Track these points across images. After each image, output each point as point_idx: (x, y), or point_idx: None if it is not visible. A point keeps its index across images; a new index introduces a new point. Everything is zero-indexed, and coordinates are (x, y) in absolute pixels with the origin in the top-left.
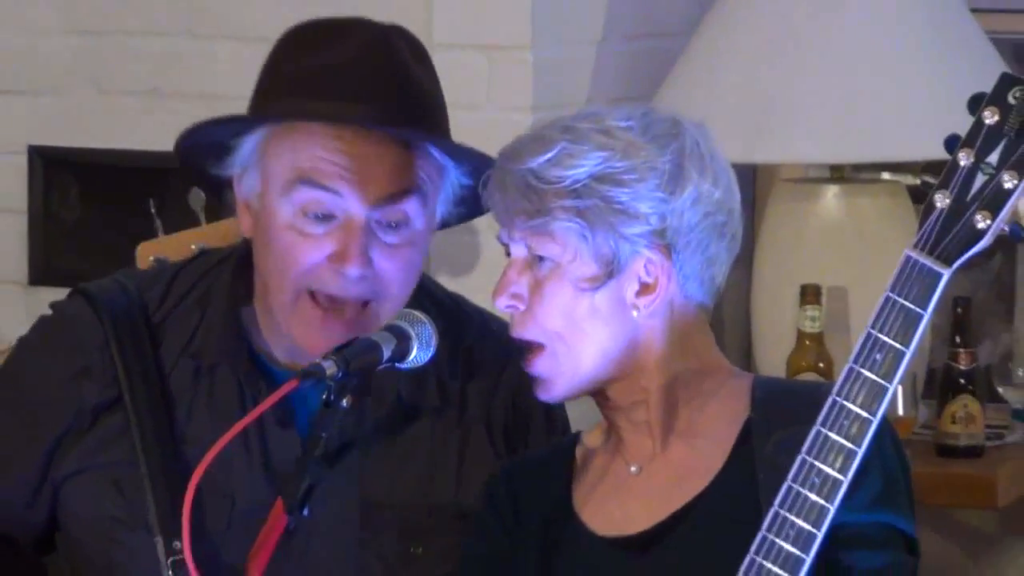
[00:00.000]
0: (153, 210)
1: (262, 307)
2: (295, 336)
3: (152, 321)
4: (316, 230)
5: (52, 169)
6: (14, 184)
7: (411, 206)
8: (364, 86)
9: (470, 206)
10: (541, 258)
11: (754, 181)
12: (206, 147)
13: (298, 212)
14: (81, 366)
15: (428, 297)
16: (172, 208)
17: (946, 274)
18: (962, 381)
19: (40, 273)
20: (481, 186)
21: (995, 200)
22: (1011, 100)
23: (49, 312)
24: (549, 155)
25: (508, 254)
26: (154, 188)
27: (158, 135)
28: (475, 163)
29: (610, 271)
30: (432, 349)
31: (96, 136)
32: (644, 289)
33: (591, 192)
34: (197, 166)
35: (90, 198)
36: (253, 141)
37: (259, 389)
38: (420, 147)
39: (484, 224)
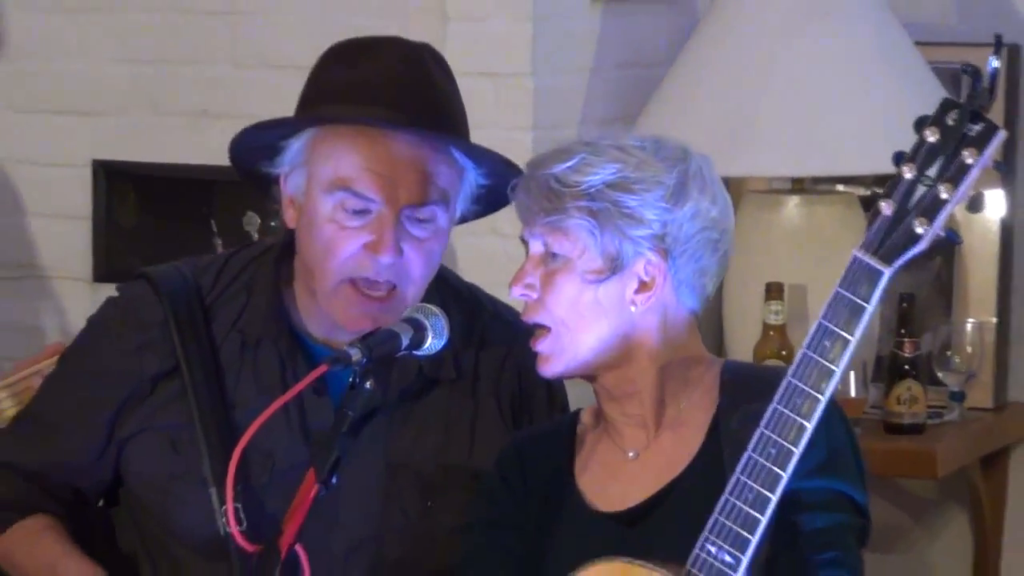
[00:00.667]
0: (215, 229)
1: (302, 289)
2: (334, 315)
3: (205, 302)
4: (354, 223)
5: (113, 181)
6: (80, 194)
7: (436, 208)
8: (397, 95)
9: (484, 204)
10: (555, 255)
11: None
12: (257, 148)
13: (338, 207)
14: (143, 340)
15: (447, 286)
16: (221, 218)
17: (887, 272)
18: (906, 367)
19: (103, 272)
20: (510, 189)
21: (932, 208)
22: (949, 122)
23: (115, 294)
24: (570, 163)
25: (527, 253)
26: (201, 197)
27: (205, 151)
28: (491, 165)
29: (614, 267)
30: (444, 339)
31: (151, 152)
32: (642, 287)
33: (604, 196)
34: (248, 165)
35: (146, 206)
36: (299, 144)
37: (297, 361)
38: (444, 151)
39: (487, 228)
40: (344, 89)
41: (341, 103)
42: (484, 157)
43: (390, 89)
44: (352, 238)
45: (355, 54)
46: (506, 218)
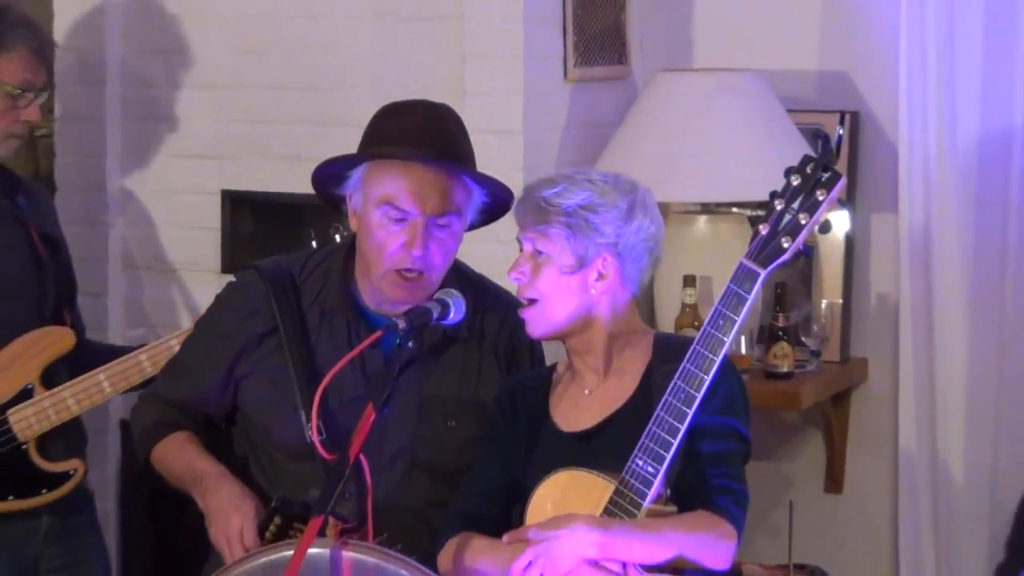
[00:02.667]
0: (312, 234)
1: (361, 275)
2: (384, 292)
3: (296, 283)
4: (395, 229)
5: (235, 204)
6: (212, 212)
7: (453, 216)
8: (425, 139)
9: (487, 215)
10: (540, 252)
11: None
12: (330, 176)
13: (384, 217)
14: (252, 310)
15: (462, 273)
16: (314, 229)
17: (763, 274)
18: (780, 333)
19: (227, 267)
20: (514, 205)
21: (794, 230)
22: (808, 171)
23: (233, 279)
24: (555, 189)
25: (521, 249)
26: (295, 216)
27: (298, 184)
28: (491, 187)
29: (581, 264)
30: (463, 314)
31: (261, 184)
32: (600, 277)
33: (577, 214)
34: (323, 187)
35: (258, 220)
36: (359, 173)
37: (359, 325)
38: (458, 177)
39: (491, 237)
40: (389, 135)
41: (388, 145)
42: (486, 182)
43: (420, 135)
44: (395, 239)
45: (397, 111)
46: (505, 230)
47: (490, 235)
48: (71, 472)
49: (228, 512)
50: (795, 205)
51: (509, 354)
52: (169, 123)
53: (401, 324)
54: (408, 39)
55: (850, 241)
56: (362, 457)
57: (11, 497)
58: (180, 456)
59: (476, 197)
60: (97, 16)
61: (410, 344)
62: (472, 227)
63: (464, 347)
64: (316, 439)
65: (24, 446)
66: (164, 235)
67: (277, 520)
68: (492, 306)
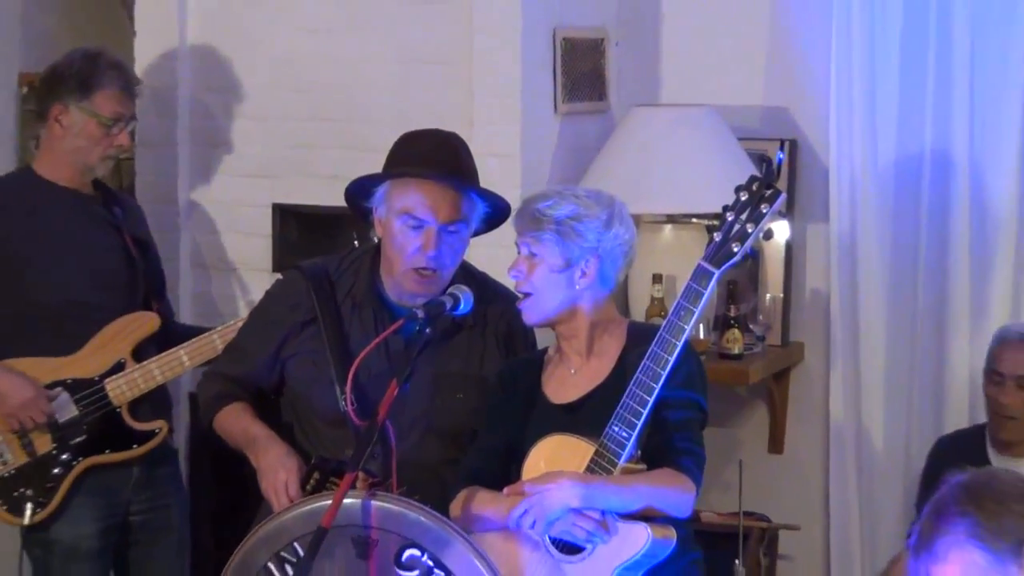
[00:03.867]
0: (355, 236)
1: (385, 273)
2: (404, 287)
3: (331, 280)
4: (413, 235)
5: (284, 215)
6: (264, 222)
7: (461, 224)
8: (437, 161)
9: (489, 224)
10: (534, 255)
11: None
12: (360, 191)
13: (403, 225)
14: (295, 302)
15: (468, 271)
16: (344, 237)
17: (717, 273)
18: (732, 321)
19: (277, 266)
20: (513, 214)
21: (742, 236)
22: (754, 188)
23: (281, 277)
24: (548, 203)
25: (518, 251)
26: (334, 225)
27: (336, 199)
28: (492, 201)
29: (568, 264)
30: (471, 306)
31: (306, 198)
32: (583, 275)
33: (565, 224)
34: (355, 200)
35: (302, 228)
36: (383, 189)
37: (384, 314)
38: (464, 192)
39: (495, 242)
40: (408, 158)
41: (407, 165)
42: (488, 196)
43: (433, 157)
44: (413, 243)
45: (414, 138)
46: (506, 236)
47: (494, 240)
48: (156, 431)
49: (276, 469)
50: (744, 216)
51: (507, 339)
52: (229, 148)
53: (419, 314)
54: (426, 79)
55: (789, 246)
56: (387, 423)
57: (107, 451)
58: (237, 423)
59: (480, 208)
60: (169, 60)
61: (428, 331)
62: (477, 233)
63: (470, 333)
64: (349, 409)
65: (118, 409)
66: (225, 240)
67: (316, 475)
68: (493, 299)
